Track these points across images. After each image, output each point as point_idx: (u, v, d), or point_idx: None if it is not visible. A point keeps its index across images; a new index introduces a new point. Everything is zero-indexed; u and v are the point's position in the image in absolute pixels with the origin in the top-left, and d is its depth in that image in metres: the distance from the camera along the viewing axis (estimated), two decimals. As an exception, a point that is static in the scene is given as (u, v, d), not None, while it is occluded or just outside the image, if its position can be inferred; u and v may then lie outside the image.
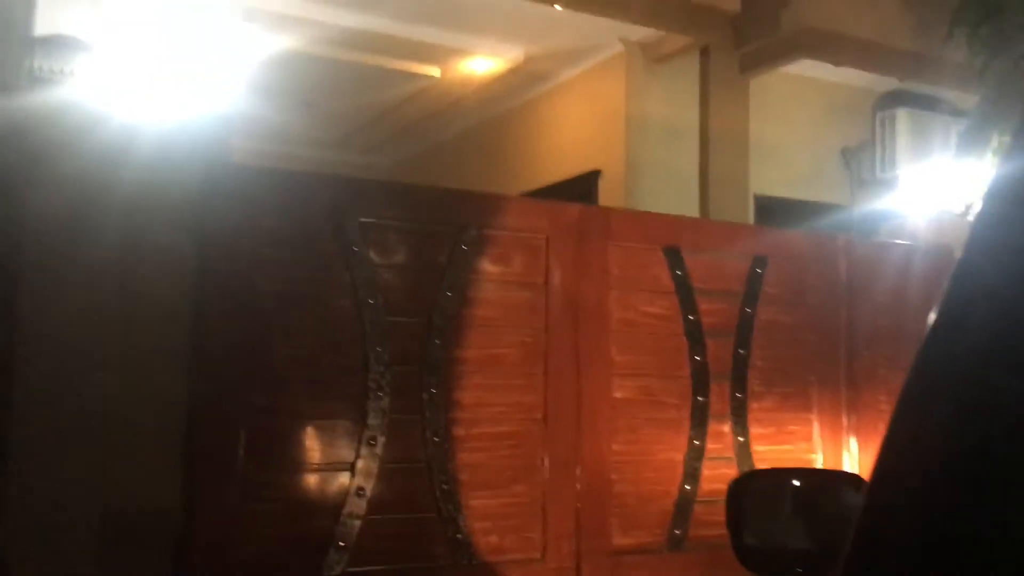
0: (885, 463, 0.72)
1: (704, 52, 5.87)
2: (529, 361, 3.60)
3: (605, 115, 5.98)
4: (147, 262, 3.02)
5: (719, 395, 3.97)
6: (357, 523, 3.22)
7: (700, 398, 3.92)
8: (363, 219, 3.37)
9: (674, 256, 3.92)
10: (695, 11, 5.57)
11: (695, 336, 3.93)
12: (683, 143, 5.84)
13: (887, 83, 6.36)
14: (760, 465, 3.96)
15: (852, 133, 6.56)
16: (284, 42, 5.49)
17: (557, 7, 5.17)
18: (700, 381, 3.92)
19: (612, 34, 5.68)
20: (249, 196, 3.21)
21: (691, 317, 3.93)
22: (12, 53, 3.04)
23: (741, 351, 4.03)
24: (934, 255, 4.48)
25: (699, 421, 3.90)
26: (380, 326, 3.33)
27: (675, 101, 5.88)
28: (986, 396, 0.65)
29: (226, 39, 3.30)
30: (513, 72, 6.33)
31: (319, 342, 3.27)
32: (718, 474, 3.85)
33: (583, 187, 5.95)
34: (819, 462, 4.14)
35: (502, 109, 7.01)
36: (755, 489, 1.86)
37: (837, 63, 5.85)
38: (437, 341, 3.43)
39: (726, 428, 3.97)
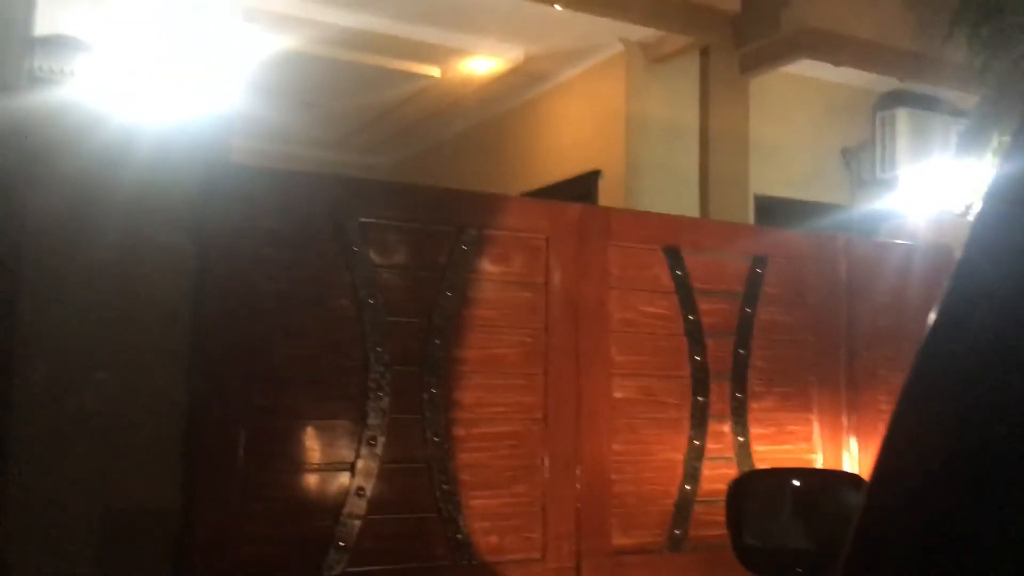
0: (885, 463, 0.72)
1: (704, 52, 5.87)
2: (529, 361, 3.60)
3: (605, 115, 5.98)
4: (147, 262, 3.02)
5: (719, 395, 3.97)
6: (357, 523, 3.22)
7: (700, 398, 3.92)
8: (363, 219, 3.37)
9: (674, 256, 3.92)
10: (695, 11, 5.57)
11: (695, 336, 3.93)
12: (683, 143, 5.84)
13: (887, 83, 6.36)
14: (760, 465, 3.96)
15: (852, 133, 6.56)
16: (284, 42, 5.49)
17: (557, 7, 5.17)
18: (700, 381, 3.93)
19: (612, 34, 5.68)
20: (249, 196, 3.21)
21: (691, 317, 3.93)
22: (12, 53, 3.04)
23: (741, 351, 4.03)
24: (934, 255, 4.48)
25: (699, 421, 3.90)
26: (380, 326, 3.33)
27: (675, 101, 5.88)
28: (986, 396, 0.65)
29: (226, 39, 3.30)
30: (513, 72, 6.33)
31: (319, 342, 3.27)
32: (718, 474, 3.85)
33: (583, 187, 5.95)
34: (819, 462, 4.14)
35: (502, 109, 7.01)
36: (755, 489, 1.86)
37: (837, 63, 5.85)
38: (437, 341, 3.43)
39: (726, 428, 3.97)
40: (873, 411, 4.23)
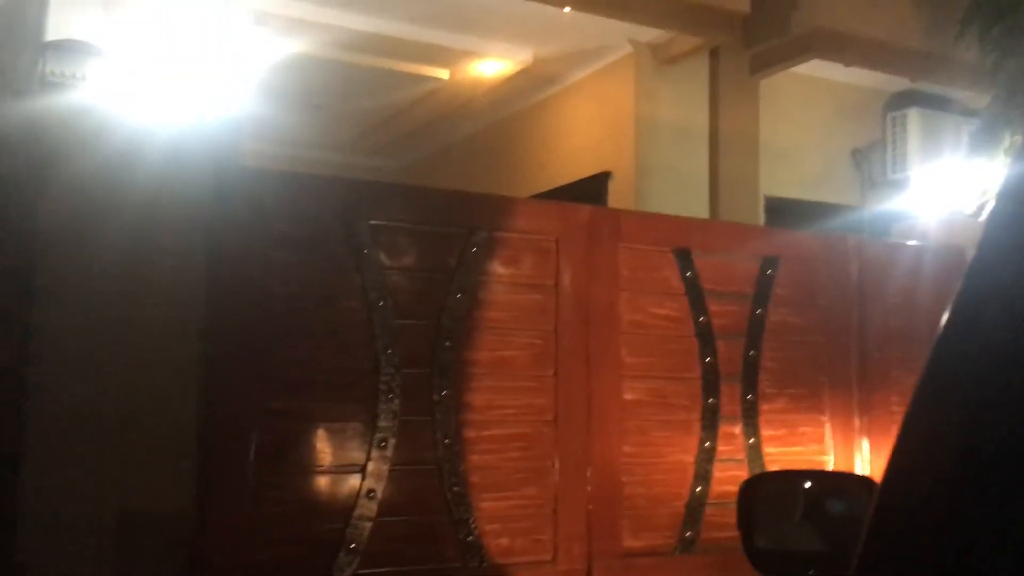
0: (897, 464, 0.72)
1: (714, 53, 5.86)
2: (539, 363, 3.60)
3: (615, 116, 5.98)
4: (158, 265, 3.03)
5: (730, 397, 3.96)
6: (368, 525, 3.22)
7: (711, 400, 3.91)
8: (373, 221, 3.38)
9: (684, 258, 3.92)
10: (704, 12, 5.56)
11: (706, 338, 3.92)
12: (693, 144, 5.83)
13: (898, 83, 6.33)
14: (771, 467, 3.95)
15: (863, 133, 6.53)
16: (294, 46, 5.51)
17: (566, 9, 5.17)
18: (711, 383, 3.92)
19: (621, 36, 5.67)
20: (260, 199, 3.23)
21: (701, 319, 3.92)
22: (24, 58, 3.06)
23: (752, 353, 4.02)
24: (946, 256, 4.46)
25: (710, 423, 3.90)
26: (390, 328, 3.34)
27: (685, 102, 5.87)
28: (999, 396, 0.65)
29: (237, 43, 3.32)
30: (522, 74, 6.33)
31: (330, 344, 3.28)
32: (729, 476, 3.84)
33: (593, 189, 5.94)
34: (831, 464, 4.12)
35: (511, 111, 7.01)
36: (766, 491, 1.86)
37: (847, 63, 5.83)
38: (447, 343, 3.43)
39: (737, 430, 3.96)
40: (885, 412, 4.21)
